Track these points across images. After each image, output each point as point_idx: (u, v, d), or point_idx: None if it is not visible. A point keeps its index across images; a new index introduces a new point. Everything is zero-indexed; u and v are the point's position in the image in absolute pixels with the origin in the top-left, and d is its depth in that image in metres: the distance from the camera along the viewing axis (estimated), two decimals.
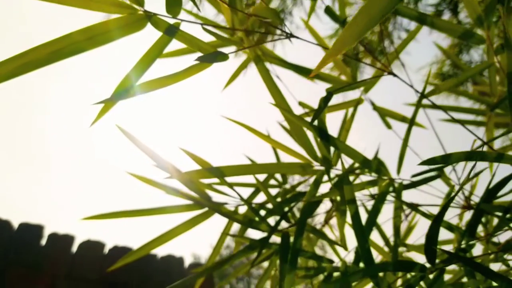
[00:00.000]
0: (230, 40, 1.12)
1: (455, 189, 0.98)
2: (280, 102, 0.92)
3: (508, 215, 0.86)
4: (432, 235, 0.58)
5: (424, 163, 0.60)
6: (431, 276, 0.75)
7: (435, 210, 0.98)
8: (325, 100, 0.78)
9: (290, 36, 0.72)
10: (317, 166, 0.98)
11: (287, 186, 1.34)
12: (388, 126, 1.15)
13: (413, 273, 0.77)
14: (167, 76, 0.67)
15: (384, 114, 1.15)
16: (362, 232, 0.74)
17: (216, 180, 1.09)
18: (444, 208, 0.56)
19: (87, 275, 4.27)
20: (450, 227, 0.93)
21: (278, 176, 1.34)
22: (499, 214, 0.85)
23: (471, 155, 0.60)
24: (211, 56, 0.62)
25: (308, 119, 1.10)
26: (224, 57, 0.63)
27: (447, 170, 1.03)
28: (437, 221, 0.57)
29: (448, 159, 0.59)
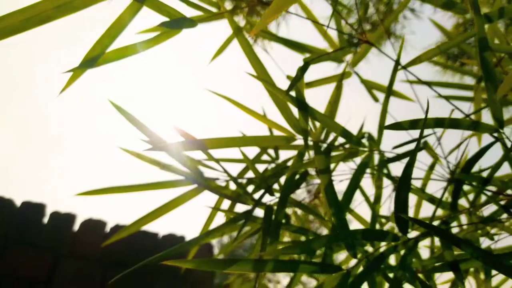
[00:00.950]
0: (218, 14, 1.11)
1: (441, 161, 0.97)
2: (261, 73, 0.91)
3: (493, 190, 0.85)
4: (400, 202, 0.57)
5: (389, 127, 0.59)
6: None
7: (419, 184, 0.97)
8: (301, 70, 0.77)
9: (262, 3, 0.70)
10: (300, 139, 0.97)
11: (280, 161, 1.34)
12: (375, 99, 1.13)
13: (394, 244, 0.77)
14: (135, 43, 0.66)
15: (370, 87, 1.13)
16: (337, 203, 0.73)
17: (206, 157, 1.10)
18: (408, 172, 0.55)
19: (89, 253, 4.31)
20: (432, 200, 0.92)
21: (271, 151, 1.34)
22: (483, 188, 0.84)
23: (442, 122, 0.58)
24: (177, 22, 0.61)
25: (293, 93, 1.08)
26: (191, 23, 0.62)
27: (432, 142, 1.02)
28: (404, 187, 0.56)
29: (416, 124, 0.58)
